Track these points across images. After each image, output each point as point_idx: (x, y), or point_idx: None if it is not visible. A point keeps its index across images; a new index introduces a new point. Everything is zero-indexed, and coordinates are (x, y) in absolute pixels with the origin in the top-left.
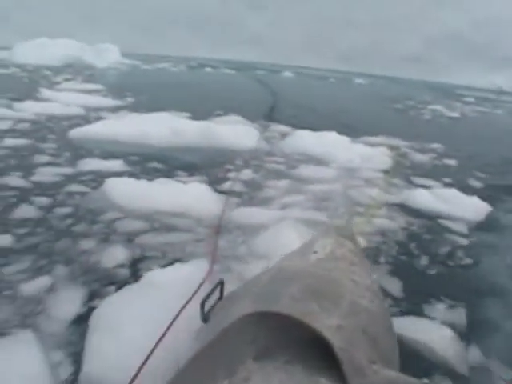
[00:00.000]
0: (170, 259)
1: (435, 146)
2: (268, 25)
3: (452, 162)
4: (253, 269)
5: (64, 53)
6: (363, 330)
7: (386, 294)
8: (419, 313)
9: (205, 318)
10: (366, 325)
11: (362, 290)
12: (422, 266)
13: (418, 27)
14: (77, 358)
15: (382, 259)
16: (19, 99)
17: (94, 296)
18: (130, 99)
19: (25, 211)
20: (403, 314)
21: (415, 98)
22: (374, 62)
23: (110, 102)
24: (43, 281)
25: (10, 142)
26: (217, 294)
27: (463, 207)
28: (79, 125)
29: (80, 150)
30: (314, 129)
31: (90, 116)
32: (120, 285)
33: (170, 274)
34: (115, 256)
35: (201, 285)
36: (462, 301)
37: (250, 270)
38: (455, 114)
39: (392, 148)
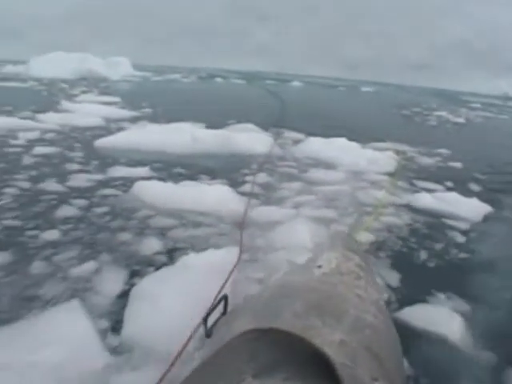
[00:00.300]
0: (199, 249)
1: (440, 150)
2: (275, 35)
3: (456, 165)
4: (271, 258)
5: (78, 66)
6: (367, 346)
7: (392, 285)
8: (423, 301)
9: (208, 333)
10: (369, 341)
11: (367, 305)
12: (422, 258)
13: (425, 36)
14: (119, 325)
15: (388, 252)
16: (41, 111)
17: (134, 276)
18: (146, 110)
19: (66, 211)
20: (409, 302)
21: (421, 105)
22: (380, 70)
23: (127, 113)
24: (90, 265)
25: (40, 150)
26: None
27: (463, 208)
28: (102, 135)
29: (107, 159)
30: (324, 135)
31: (111, 126)
32: (157, 267)
33: (202, 258)
34: (151, 246)
35: (231, 272)
36: (462, 290)
37: (269, 259)
38: (460, 120)
39: (398, 152)
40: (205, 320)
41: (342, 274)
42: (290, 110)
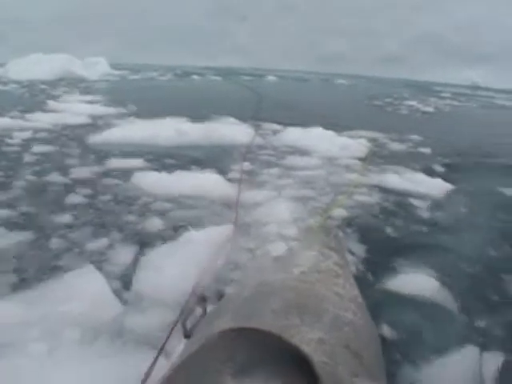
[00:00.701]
0: (198, 227)
1: (410, 137)
2: (251, 34)
3: (424, 150)
4: (259, 232)
5: (56, 67)
6: (346, 343)
7: (363, 255)
8: (392, 268)
9: (187, 334)
10: (349, 338)
11: (346, 303)
12: (390, 231)
13: (398, 30)
14: (129, 285)
15: (360, 226)
16: (29, 111)
17: (142, 249)
18: (130, 107)
19: (73, 199)
20: (380, 270)
21: (393, 96)
22: (354, 64)
23: (112, 110)
24: (102, 241)
25: (37, 148)
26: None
27: (428, 187)
28: (93, 131)
29: (103, 153)
30: (302, 125)
31: (100, 123)
32: (162, 242)
33: (201, 234)
34: (154, 225)
35: (226, 242)
36: (427, 258)
37: (257, 232)
38: (430, 109)
39: (370, 139)
40: (183, 321)
41: (321, 273)
42: (267, 103)
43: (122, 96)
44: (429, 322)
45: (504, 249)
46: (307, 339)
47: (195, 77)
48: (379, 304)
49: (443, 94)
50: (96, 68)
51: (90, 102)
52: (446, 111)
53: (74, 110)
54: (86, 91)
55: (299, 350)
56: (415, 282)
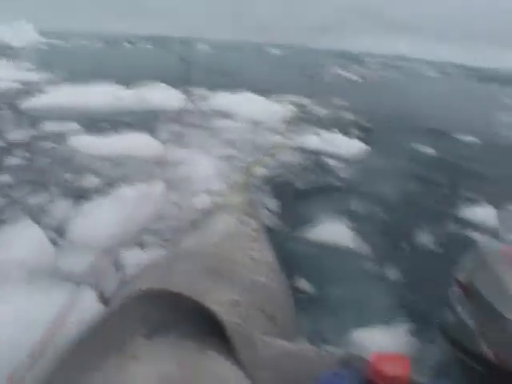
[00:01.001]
0: (129, 183)
1: (335, 103)
2: (182, 1)
3: (346, 114)
4: (187, 186)
5: None
6: (260, 305)
7: (282, 210)
8: (310, 220)
9: (104, 300)
10: (262, 300)
11: (261, 267)
12: (308, 187)
13: (328, 0)
14: (65, 233)
15: (279, 183)
16: None
17: (78, 202)
18: (62, 73)
19: (12, 160)
20: (299, 223)
21: (322, 64)
22: (286, 33)
23: (44, 76)
24: (41, 197)
25: None
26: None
27: (345, 147)
28: (26, 97)
29: (36, 117)
30: (231, 91)
31: (32, 89)
32: (97, 196)
33: (133, 189)
34: (90, 182)
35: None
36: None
37: (185, 187)
38: (356, 77)
39: (296, 104)
40: (100, 292)
41: (237, 238)
42: (198, 70)
43: (53, 63)
44: (342, 269)
45: (412, 200)
46: (220, 301)
47: (127, 45)
48: (297, 253)
49: (369, 64)
50: (23, 34)
51: (20, 69)
52: (372, 79)
53: (2, 76)
54: (14, 58)
55: (211, 312)
56: (330, 231)
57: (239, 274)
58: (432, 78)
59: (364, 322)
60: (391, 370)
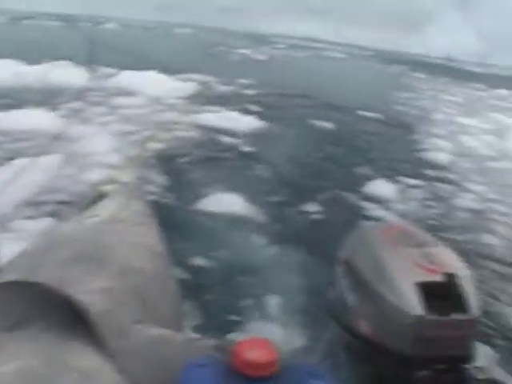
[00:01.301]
0: (29, 156)
1: (238, 80)
2: None
3: (248, 92)
4: (84, 160)
5: None
6: (134, 290)
7: (177, 183)
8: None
9: None
10: (138, 285)
11: (140, 251)
12: (201, 161)
13: None
14: None
15: (173, 158)
16: None
17: None
18: None
19: None
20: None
21: (230, 45)
22: (194, 13)
23: None
24: None
25: None
26: None
27: (240, 124)
28: None
29: None
30: (136, 70)
31: None
32: None
33: (32, 161)
34: None
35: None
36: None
37: (83, 160)
38: (263, 57)
39: (200, 82)
40: None
41: (117, 222)
42: (104, 49)
43: None
44: (233, 241)
45: (307, 173)
46: (88, 289)
47: (32, 22)
48: (189, 226)
49: (278, 45)
50: None
51: None
52: (278, 60)
53: None
54: None
55: (76, 301)
56: (223, 201)
57: (115, 260)
58: (338, 59)
59: (251, 298)
60: (255, 356)
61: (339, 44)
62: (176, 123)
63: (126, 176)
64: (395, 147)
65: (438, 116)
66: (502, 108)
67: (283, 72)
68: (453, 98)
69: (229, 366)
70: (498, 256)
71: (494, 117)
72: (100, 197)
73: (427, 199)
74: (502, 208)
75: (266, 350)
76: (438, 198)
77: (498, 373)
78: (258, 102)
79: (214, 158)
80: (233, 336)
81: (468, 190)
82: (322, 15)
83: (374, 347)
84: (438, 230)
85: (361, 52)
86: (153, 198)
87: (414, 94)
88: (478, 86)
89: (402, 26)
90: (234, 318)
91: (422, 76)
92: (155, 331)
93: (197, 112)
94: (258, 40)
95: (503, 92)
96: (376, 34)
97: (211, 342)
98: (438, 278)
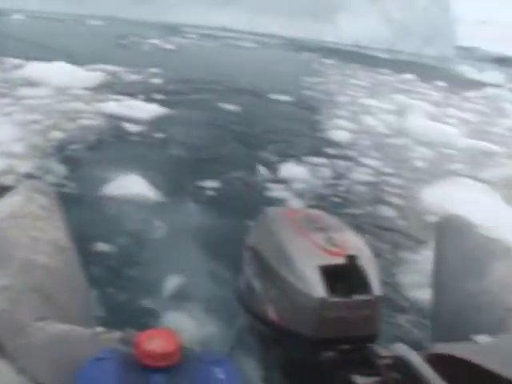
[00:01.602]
0: None
1: (146, 70)
2: None
3: (155, 81)
4: None
5: None
6: (37, 287)
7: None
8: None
9: None
10: (41, 282)
11: (43, 247)
12: (106, 146)
13: None
14: None
15: (78, 145)
16: None
17: None
18: None
19: None
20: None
21: (139, 35)
22: (107, 5)
23: None
24: None
25: None
26: None
27: (143, 112)
28: None
29: None
30: (44, 60)
31: None
32: None
33: None
34: None
35: None
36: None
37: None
38: (172, 47)
39: (108, 72)
40: None
41: (19, 218)
42: (12, 40)
43: None
44: (136, 224)
45: (207, 154)
46: None
47: None
48: (95, 214)
49: (189, 35)
50: None
51: None
52: (188, 49)
53: None
54: None
55: None
56: (127, 186)
57: (16, 256)
58: (249, 48)
59: (160, 286)
60: (155, 346)
61: (251, 33)
62: (80, 112)
63: (28, 166)
64: (300, 128)
65: (343, 98)
66: (405, 90)
67: (192, 61)
68: (359, 82)
69: (130, 358)
70: (394, 226)
71: (396, 98)
72: (1, 190)
73: (329, 177)
74: (395, 180)
75: (167, 340)
76: (339, 175)
77: (403, 349)
78: (164, 90)
79: (117, 145)
80: (140, 327)
81: (365, 165)
82: (234, 5)
83: (281, 332)
84: (339, 205)
85: (273, 41)
86: (56, 187)
87: (323, 78)
88: (384, 71)
89: (314, 14)
90: (142, 308)
91: (332, 62)
92: (59, 328)
93: (102, 101)
94: (169, 30)
95: (408, 76)
96: (288, 22)
97: (117, 335)
98: (340, 260)
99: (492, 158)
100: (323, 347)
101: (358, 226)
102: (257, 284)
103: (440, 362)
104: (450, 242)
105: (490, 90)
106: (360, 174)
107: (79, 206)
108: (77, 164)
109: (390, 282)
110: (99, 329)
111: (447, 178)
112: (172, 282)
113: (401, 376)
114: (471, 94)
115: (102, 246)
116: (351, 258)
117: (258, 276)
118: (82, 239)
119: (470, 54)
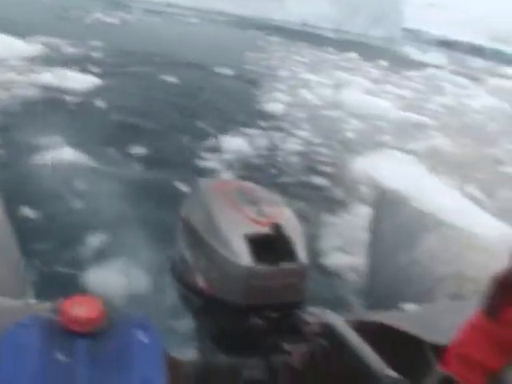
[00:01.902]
0: None
1: (86, 42)
2: None
3: (94, 54)
4: None
5: None
6: None
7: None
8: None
9: None
10: None
11: None
12: (41, 114)
13: None
14: None
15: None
16: None
17: None
18: None
19: None
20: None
21: (82, 8)
22: None
23: None
24: None
25: None
26: None
27: (76, 82)
28: None
29: None
30: None
31: None
32: None
33: None
34: None
35: None
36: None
37: None
38: (115, 21)
39: (48, 44)
40: None
41: None
42: None
43: None
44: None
45: (142, 123)
46: None
47: None
48: (27, 180)
49: (133, 10)
50: None
51: None
52: (132, 24)
53: None
54: None
55: None
56: (59, 153)
57: None
58: (194, 24)
59: (93, 253)
60: (80, 312)
61: (196, 9)
62: (14, 82)
63: None
64: (239, 101)
65: (284, 73)
66: (346, 68)
67: (135, 36)
68: (302, 59)
69: (56, 324)
70: (323, 194)
71: (336, 74)
72: None
73: (263, 147)
74: (326, 151)
75: (92, 306)
76: (273, 146)
77: (329, 316)
78: (103, 63)
79: (50, 114)
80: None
81: (298, 136)
82: None
83: (210, 300)
84: (271, 175)
85: (218, 17)
86: None
87: (266, 54)
88: (329, 49)
89: None
90: (73, 273)
91: (278, 40)
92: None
93: (38, 72)
94: (113, 5)
95: (352, 55)
96: (235, 0)
97: (48, 304)
98: (267, 230)
99: (421, 130)
100: (251, 314)
101: (288, 194)
102: (188, 255)
103: (367, 329)
104: (385, 216)
105: (430, 71)
106: (293, 145)
107: (8, 173)
108: (8, 132)
109: (317, 252)
110: (31, 300)
111: (377, 149)
112: (103, 246)
113: (328, 342)
114: (412, 73)
115: (30, 212)
116: (278, 228)
117: (189, 247)
118: (11, 206)
119: (416, 36)
